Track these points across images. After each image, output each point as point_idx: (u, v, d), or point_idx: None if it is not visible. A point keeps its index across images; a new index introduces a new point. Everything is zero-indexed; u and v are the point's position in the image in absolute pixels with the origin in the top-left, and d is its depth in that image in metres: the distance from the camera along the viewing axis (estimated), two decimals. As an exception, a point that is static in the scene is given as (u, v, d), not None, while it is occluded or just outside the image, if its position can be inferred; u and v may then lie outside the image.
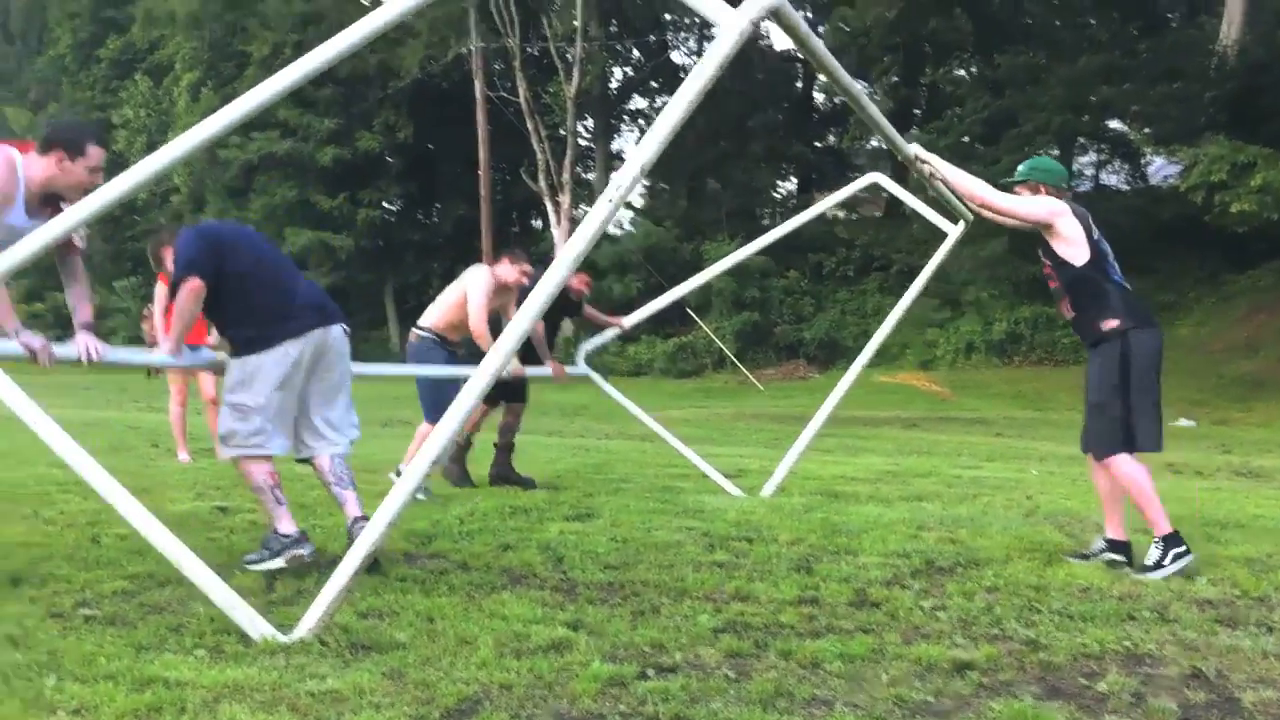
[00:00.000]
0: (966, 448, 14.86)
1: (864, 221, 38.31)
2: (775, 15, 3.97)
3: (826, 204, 10.13)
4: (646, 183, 45.04)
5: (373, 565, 4.45)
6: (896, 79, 35.87)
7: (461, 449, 8.91)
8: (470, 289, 7.94)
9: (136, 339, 44.61)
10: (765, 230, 10.23)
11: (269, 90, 4.16)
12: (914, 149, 6.13)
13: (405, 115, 39.65)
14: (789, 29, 4.14)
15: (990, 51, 33.13)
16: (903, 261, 31.56)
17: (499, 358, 3.86)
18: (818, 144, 41.45)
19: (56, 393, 23.63)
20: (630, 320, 9.54)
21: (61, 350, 4.52)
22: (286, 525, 5.01)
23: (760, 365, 31.02)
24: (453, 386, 6.99)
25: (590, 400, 21.06)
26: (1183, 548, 5.31)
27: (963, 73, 35.89)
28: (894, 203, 38.69)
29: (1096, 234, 5.66)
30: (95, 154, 4.68)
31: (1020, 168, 6.00)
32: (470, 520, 6.72)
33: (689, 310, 27.26)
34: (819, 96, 42.04)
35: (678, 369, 32.86)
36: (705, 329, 24.98)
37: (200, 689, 3.19)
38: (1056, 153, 30.73)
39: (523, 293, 7.72)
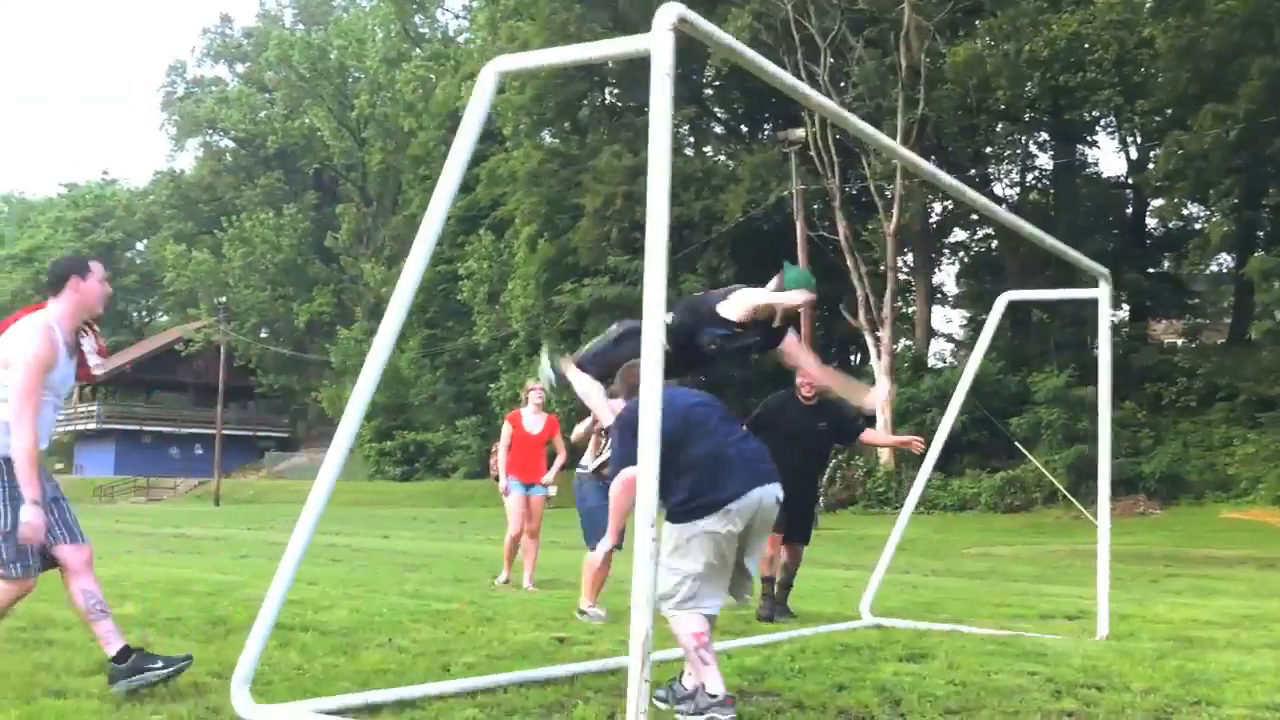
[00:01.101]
0: (1335, 591, 13.64)
1: (1205, 349, 36.35)
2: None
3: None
4: (967, 314, 44.30)
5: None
6: (1237, 200, 34.14)
7: (784, 588, 9.07)
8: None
9: (476, 474, 46.83)
10: (1095, 361, 9.81)
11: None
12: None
13: (728, 257, 40.60)
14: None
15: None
16: (1250, 391, 29.66)
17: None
18: (1151, 270, 39.77)
19: (399, 525, 25.02)
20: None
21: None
22: (714, 684, 4.83)
23: (1095, 500, 29.53)
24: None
25: (918, 535, 20.59)
26: None
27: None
28: (1238, 326, 36.68)
29: None
30: (97, 267, 5.19)
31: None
32: (801, 657, 6.65)
33: (1017, 444, 26.44)
34: (1151, 222, 40.53)
35: (1005, 504, 31.76)
36: (1034, 462, 24.14)
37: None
38: None
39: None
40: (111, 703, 4.64)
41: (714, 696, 4.80)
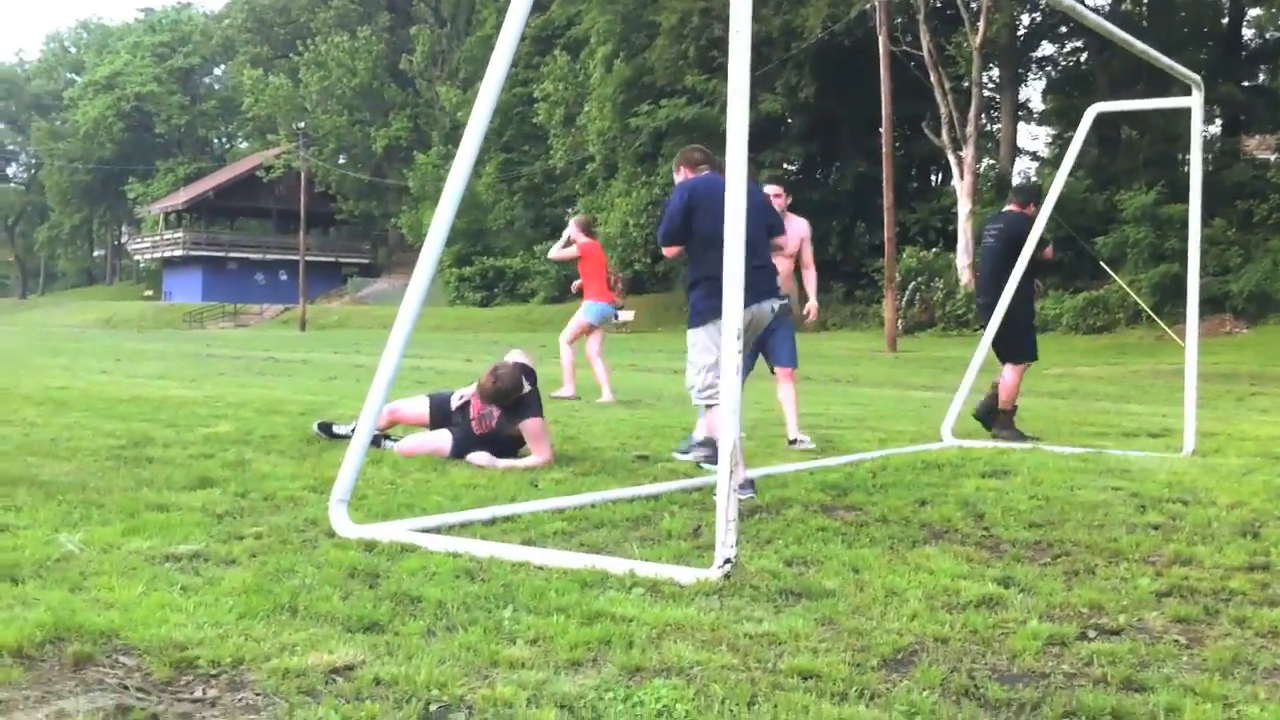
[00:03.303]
0: None
1: (1300, 164, 35.14)
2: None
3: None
4: (1053, 131, 43.17)
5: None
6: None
7: (1008, 413, 9.29)
8: None
9: (554, 299, 47.17)
10: (1186, 179, 9.58)
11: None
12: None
13: (808, 75, 39.73)
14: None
15: None
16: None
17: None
18: (1246, 83, 38.32)
19: (481, 349, 25.36)
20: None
21: None
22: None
23: (1181, 320, 29.14)
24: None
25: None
26: None
27: None
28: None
29: None
30: None
31: None
32: (883, 474, 6.70)
33: (1102, 263, 26.00)
34: (1248, 32, 38.89)
35: (1087, 324, 31.41)
36: (1119, 282, 23.73)
37: (645, 625, 3.34)
38: None
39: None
40: (213, 515, 4.81)
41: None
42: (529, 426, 6.80)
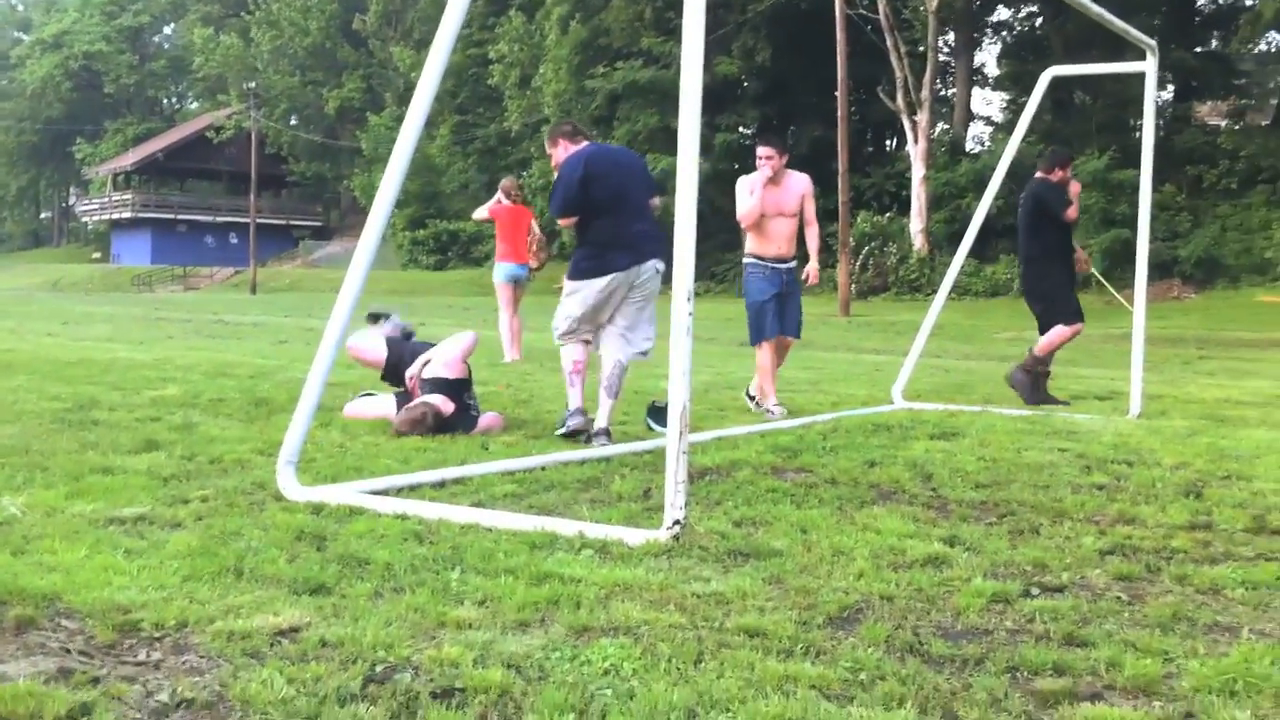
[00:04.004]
0: (1370, 373, 13.66)
1: (1249, 130, 35.51)
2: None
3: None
4: (1007, 96, 43.32)
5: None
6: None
7: (1041, 376, 9.30)
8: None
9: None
10: (1138, 144, 9.67)
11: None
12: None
13: (764, 38, 39.62)
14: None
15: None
16: (1295, 173, 29.11)
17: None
18: (1199, 49, 38.58)
19: (434, 313, 25.24)
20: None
21: None
22: (574, 401, 6.54)
23: (1130, 285, 29.42)
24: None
25: (950, 320, 20.62)
26: None
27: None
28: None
29: None
30: None
31: None
32: (833, 437, 6.74)
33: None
34: (1201, -1, 39.18)
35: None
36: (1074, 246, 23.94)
37: (593, 585, 3.34)
38: None
39: None
40: (158, 479, 4.77)
41: (571, 409, 6.51)
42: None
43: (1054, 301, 9.40)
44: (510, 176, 13.27)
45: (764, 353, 8.24)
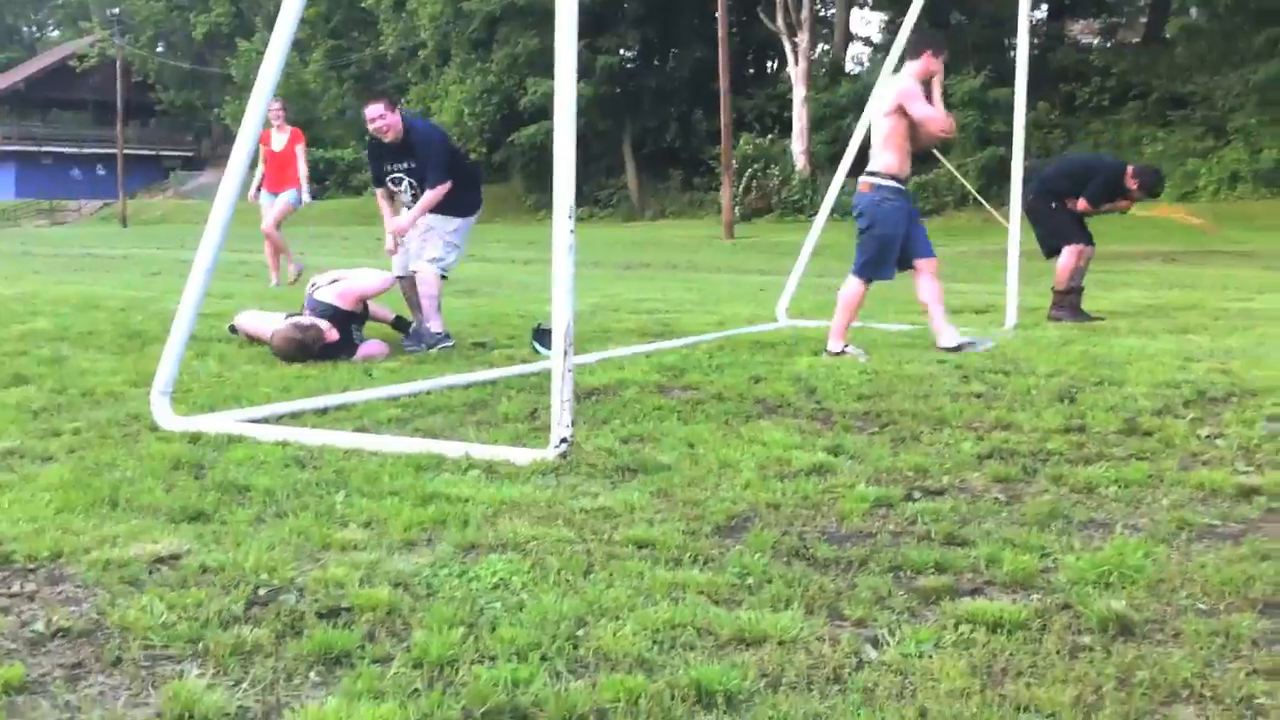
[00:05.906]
0: (1233, 281, 14.12)
1: (1120, 48, 36.18)
2: None
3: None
4: (886, 16, 43.54)
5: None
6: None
7: (1076, 296, 9.27)
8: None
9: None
10: (1012, 63, 9.76)
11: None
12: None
13: (642, -43, 39.17)
14: None
15: None
16: (1163, 89, 29.75)
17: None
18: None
19: (313, 243, 24.73)
20: None
21: None
22: (437, 325, 7.10)
23: (1006, 202, 29.94)
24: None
25: (832, 241, 20.75)
26: None
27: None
28: (1154, 26, 36.48)
29: None
30: None
31: None
32: (719, 355, 6.77)
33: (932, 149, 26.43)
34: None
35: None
36: (947, 165, 24.19)
37: (480, 504, 3.33)
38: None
39: None
40: (28, 412, 4.62)
41: (438, 333, 7.07)
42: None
43: (1058, 229, 9.58)
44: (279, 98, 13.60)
45: (863, 291, 7.41)
